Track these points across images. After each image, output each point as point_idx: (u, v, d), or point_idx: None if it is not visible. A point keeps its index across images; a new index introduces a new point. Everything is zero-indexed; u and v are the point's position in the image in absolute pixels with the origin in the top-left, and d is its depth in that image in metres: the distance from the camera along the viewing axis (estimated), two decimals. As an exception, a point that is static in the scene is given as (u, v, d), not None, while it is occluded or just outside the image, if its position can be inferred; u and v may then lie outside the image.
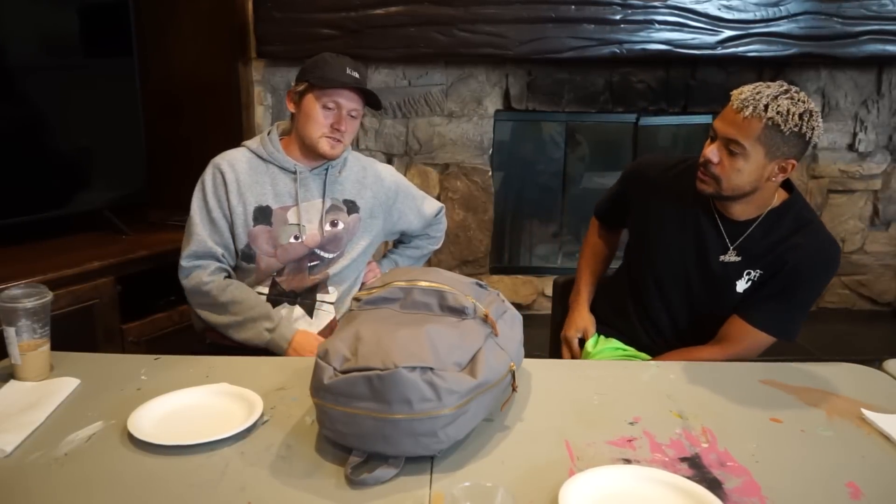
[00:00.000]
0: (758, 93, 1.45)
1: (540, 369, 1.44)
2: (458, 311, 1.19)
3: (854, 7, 2.83)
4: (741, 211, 1.58)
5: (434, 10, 2.77)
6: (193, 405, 1.26)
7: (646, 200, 1.70)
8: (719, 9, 2.81)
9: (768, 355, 1.58)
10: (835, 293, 3.34)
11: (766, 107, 1.43)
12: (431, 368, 1.05)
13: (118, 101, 2.54)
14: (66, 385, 1.34)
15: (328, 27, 2.77)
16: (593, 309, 1.86)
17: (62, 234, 2.43)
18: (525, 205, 3.36)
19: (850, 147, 3.21)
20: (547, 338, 2.03)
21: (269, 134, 1.81)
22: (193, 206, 1.76)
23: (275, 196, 1.76)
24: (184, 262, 1.74)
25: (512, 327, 1.28)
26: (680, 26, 2.82)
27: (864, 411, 1.25)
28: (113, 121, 2.54)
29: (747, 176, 1.48)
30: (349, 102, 1.73)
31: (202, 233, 1.73)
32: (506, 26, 2.80)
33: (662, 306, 1.70)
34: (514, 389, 1.22)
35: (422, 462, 1.08)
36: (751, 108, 1.43)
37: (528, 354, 1.38)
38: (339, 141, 1.74)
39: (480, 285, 1.29)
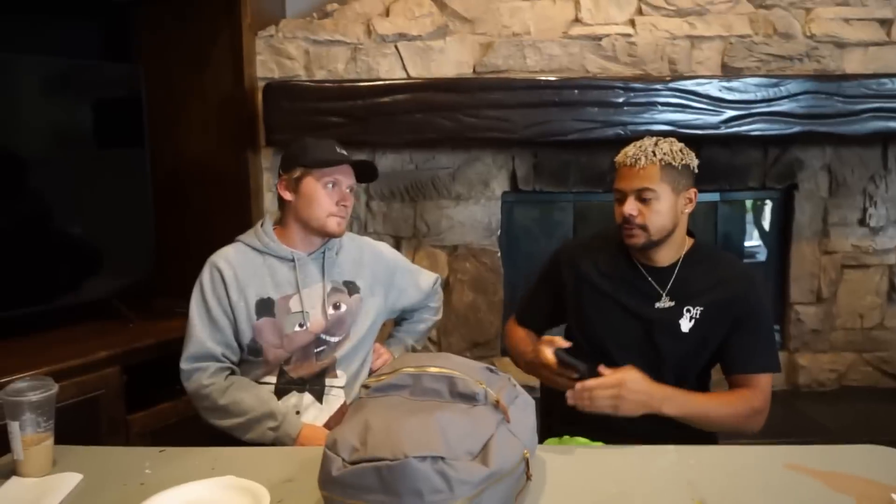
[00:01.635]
0: (640, 147, 1.66)
1: (555, 456, 1.40)
2: (469, 398, 1.17)
3: (854, 86, 2.87)
4: (665, 256, 1.71)
5: (439, 98, 2.83)
6: (199, 500, 1.23)
7: (576, 274, 1.78)
8: (720, 90, 2.86)
9: (790, 437, 1.53)
10: (857, 370, 3.27)
11: (654, 152, 1.63)
12: (442, 458, 1.03)
13: (129, 191, 2.58)
14: (68, 481, 1.31)
15: (336, 115, 2.83)
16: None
17: (68, 324, 2.42)
18: (535, 285, 3.36)
19: (861, 222, 3.20)
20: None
21: (262, 225, 1.82)
22: (192, 307, 1.75)
23: (275, 287, 1.76)
24: (183, 366, 1.73)
25: (524, 413, 1.25)
26: (682, 107, 2.86)
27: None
28: (123, 210, 2.57)
29: (666, 214, 1.65)
30: (347, 178, 1.78)
31: (200, 334, 1.72)
32: (510, 111, 2.85)
33: None
34: (528, 478, 1.18)
35: (434, 558, 1.03)
36: (643, 158, 1.63)
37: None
38: (343, 217, 1.77)
39: (491, 370, 1.27)
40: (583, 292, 1.75)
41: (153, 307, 2.63)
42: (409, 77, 2.97)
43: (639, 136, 2.85)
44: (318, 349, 1.77)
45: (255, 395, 1.70)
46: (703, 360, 1.71)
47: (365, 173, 1.83)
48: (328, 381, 1.78)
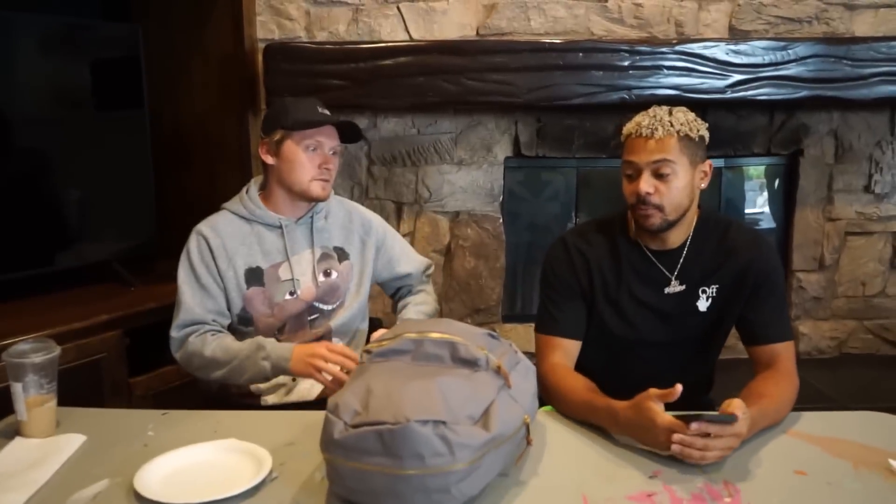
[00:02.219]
0: (654, 116, 1.52)
1: (555, 421, 1.41)
2: (471, 363, 1.17)
3: (863, 49, 2.83)
4: (675, 237, 1.60)
5: (442, 60, 2.79)
6: (201, 462, 1.24)
7: (587, 264, 1.65)
8: (727, 53, 2.82)
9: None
10: (857, 338, 3.28)
11: (671, 122, 1.50)
12: (444, 422, 1.03)
13: (129, 152, 2.57)
14: (72, 442, 1.32)
15: (337, 78, 2.80)
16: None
17: (70, 287, 2.42)
18: (537, 252, 3.34)
19: (867, 189, 3.18)
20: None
21: (247, 192, 1.76)
22: (180, 276, 1.71)
23: (263, 255, 1.71)
24: (174, 333, 1.68)
25: (525, 378, 1.26)
26: (689, 71, 2.83)
27: (893, 462, 1.21)
28: (123, 172, 2.56)
29: (683, 190, 1.52)
30: (330, 140, 1.71)
31: (191, 301, 1.67)
32: (514, 74, 2.82)
33: (646, 373, 1.56)
34: (528, 443, 1.19)
35: (435, 521, 1.04)
36: (660, 128, 1.50)
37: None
38: (327, 181, 1.71)
39: (492, 336, 1.27)
40: (594, 282, 1.65)
41: (154, 270, 2.63)
42: (411, 39, 2.93)
43: (644, 100, 2.86)
44: (312, 317, 1.75)
45: (237, 341, 1.66)
46: (722, 333, 1.66)
47: (349, 134, 1.76)
48: None
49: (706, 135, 1.56)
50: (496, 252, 3.14)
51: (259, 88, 2.86)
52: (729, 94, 2.86)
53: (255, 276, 1.70)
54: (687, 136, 1.51)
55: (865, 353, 3.28)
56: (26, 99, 2.32)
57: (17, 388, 1.33)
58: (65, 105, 2.40)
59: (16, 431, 1.35)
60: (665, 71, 2.83)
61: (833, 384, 2.92)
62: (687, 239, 1.61)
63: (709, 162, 1.58)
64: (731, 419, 1.20)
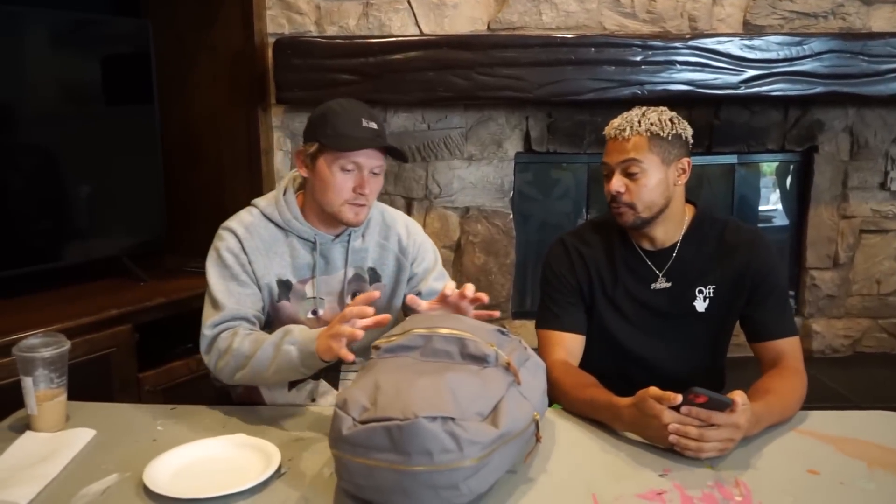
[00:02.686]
0: (625, 118, 1.58)
1: (564, 419, 1.41)
2: (480, 359, 1.17)
3: (879, 45, 2.80)
4: (663, 235, 1.62)
5: (452, 55, 2.78)
6: (210, 457, 1.24)
7: (585, 265, 1.66)
8: (741, 49, 2.80)
9: (803, 403, 1.51)
10: (872, 337, 3.25)
11: (640, 122, 1.55)
12: (452, 418, 1.02)
13: (138, 148, 2.57)
14: (82, 436, 1.33)
15: (347, 73, 2.79)
16: None
17: (79, 282, 2.43)
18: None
19: (882, 186, 3.15)
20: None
21: (284, 194, 1.60)
22: (212, 273, 1.54)
23: (294, 269, 1.58)
24: (206, 331, 1.49)
25: (535, 375, 1.25)
26: (702, 66, 2.81)
27: (909, 462, 1.20)
28: (133, 168, 2.56)
29: (655, 188, 1.55)
30: (370, 160, 1.51)
31: (226, 299, 1.50)
32: (525, 69, 2.81)
33: (655, 377, 1.53)
34: (538, 440, 1.18)
35: (443, 518, 1.04)
36: (628, 129, 1.55)
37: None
38: (362, 206, 1.54)
39: (502, 332, 1.27)
40: (593, 281, 1.65)
41: (163, 265, 2.64)
42: (421, 34, 2.92)
43: (656, 95, 2.85)
44: None
45: (262, 332, 1.50)
46: (725, 334, 1.66)
47: (395, 149, 1.57)
48: (344, 367, 1.62)
49: (684, 133, 1.58)
50: (506, 248, 3.13)
51: (269, 83, 2.86)
52: (743, 90, 2.84)
53: (284, 289, 1.59)
54: (657, 135, 1.54)
55: (880, 352, 3.26)
56: (36, 94, 2.32)
57: (27, 382, 1.33)
58: (74, 100, 2.41)
59: (26, 425, 1.36)
60: (678, 66, 2.81)
61: (847, 383, 2.89)
62: (679, 238, 1.63)
63: (686, 159, 1.59)
64: (725, 401, 1.20)
